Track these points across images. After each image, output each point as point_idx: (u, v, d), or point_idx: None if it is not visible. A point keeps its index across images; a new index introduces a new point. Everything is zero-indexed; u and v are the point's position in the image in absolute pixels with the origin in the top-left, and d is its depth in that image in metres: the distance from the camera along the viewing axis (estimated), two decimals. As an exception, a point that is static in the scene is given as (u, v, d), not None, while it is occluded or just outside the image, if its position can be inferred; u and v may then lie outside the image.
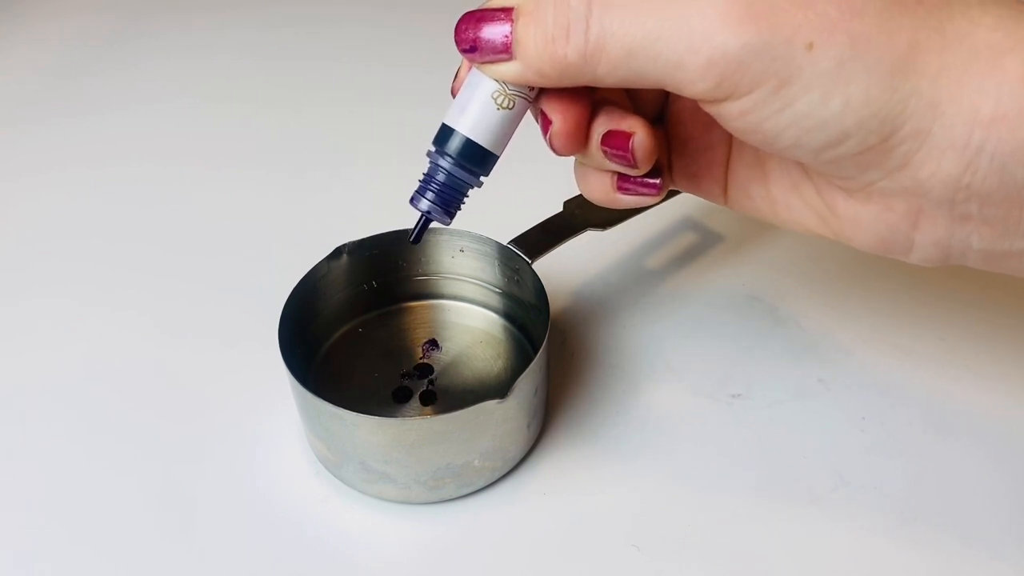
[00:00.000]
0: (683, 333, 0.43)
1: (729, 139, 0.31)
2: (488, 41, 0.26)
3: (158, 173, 0.56)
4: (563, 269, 0.45)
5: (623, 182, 0.30)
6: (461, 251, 0.42)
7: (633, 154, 0.28)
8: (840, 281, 0.46)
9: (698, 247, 0.49)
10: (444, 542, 0.35)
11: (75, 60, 0.69)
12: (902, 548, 0.34)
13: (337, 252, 0.40)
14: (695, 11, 0.23)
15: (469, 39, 0.26)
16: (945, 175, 0.24)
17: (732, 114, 0.25)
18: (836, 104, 0.24)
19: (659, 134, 0.30)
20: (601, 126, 0.28)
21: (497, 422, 0.34)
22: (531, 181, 0.47)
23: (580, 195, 0.43)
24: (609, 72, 0.25)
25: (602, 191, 0.30)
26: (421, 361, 0.41)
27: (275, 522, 0.36)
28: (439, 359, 0.41)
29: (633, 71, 0.25)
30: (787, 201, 0.30)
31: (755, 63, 0.24)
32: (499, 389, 0.36)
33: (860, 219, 0.27)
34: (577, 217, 0.42)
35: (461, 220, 0.41)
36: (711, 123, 0.30)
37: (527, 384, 0.35)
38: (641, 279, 0.47)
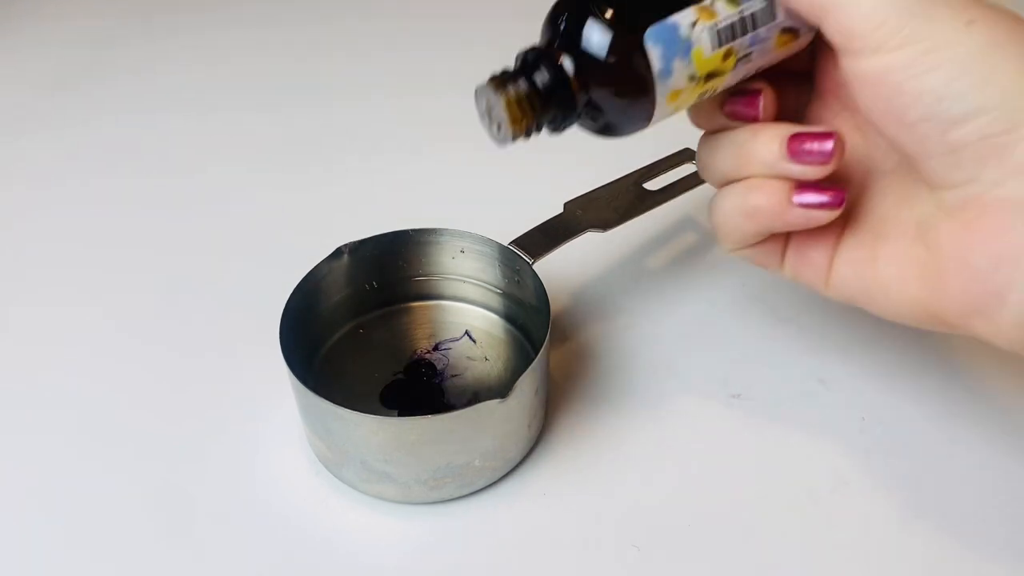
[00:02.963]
0: (683, 333, 0.43)
1: (844, 221, 0.31)
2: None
3: (158, 175, 0.56)
4: (564, 270, 0.45)
5: (804, 187, 0.29)
6: (462, 252, 0.42)
7: (834, 151, 0.28)
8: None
9: (698, 247, 0.49)
10: (444, 542, 0.35)
11: (74, 64, 0.69)
12: (902, 548, 0.34)
13: (338, 252, 0.40)
14: None
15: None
16: None
17: (876, 69, 0.26)
18: (978, 78, 0.25)
19: None
20: (784, 129, 0.29)
21: (498, 422, 0.34)
22: (532, 182, 0.48)
23: (581, 196, 0.43)
24: None
25: (775, 201, 0.30)
26: (422, 358, 0.41)
27: (275, 522, 0.36)
28: (440, 358, 0.41)
29: None
30: (894, 265, 0.30)
31: (917, 21, 0.25)
32: (500, 389, 0.36)
33: (965, 251, 0.27)
34: (577, 218, 0.42)
35: (462, 220, 0.41)
36: None
37: (528, 384, 0.35)
38: (641, 279, 0.47)
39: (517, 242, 0.40)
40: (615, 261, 0.48)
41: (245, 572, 0.34)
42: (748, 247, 0.33)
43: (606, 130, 0.31)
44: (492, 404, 0.34)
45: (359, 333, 0.42)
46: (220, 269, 0.48)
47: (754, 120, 0.31)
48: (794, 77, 0.33)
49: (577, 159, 0.46)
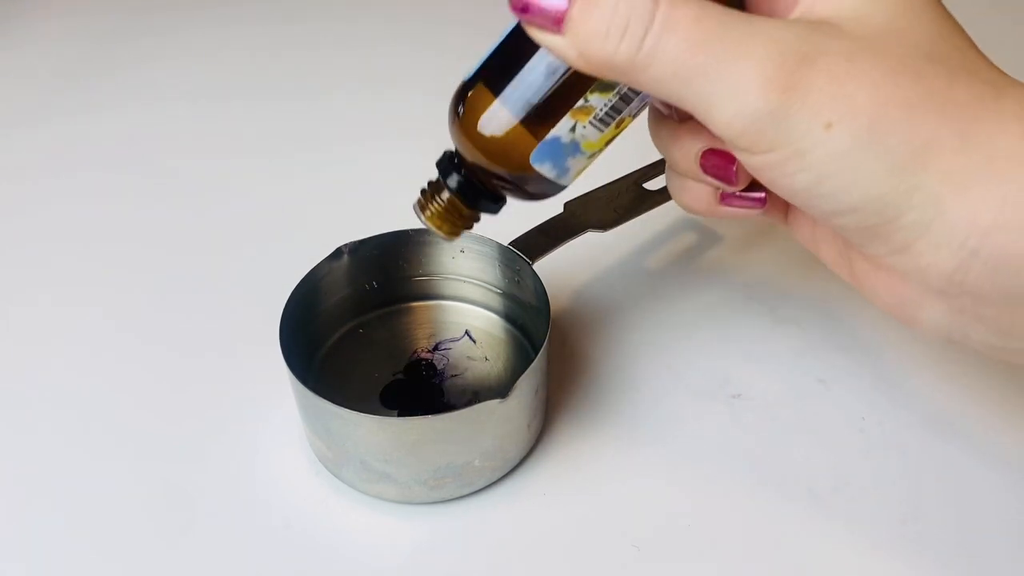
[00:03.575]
0: (683, 333, 0.43)
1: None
2: (542, 8, 0.26)
3: (158, 174, 0.56)
4: (564, 270, 0.45)
5: (727, 196, 0.30)
6: (462, 252, 0.42)
7: (736, 174, 0.29)
8: (840, 281, 0.45)
9: (698, 247, 0.49)
10: (444, 542, 0.35)
11: (76, 59, 0.69)
12: (902, 548, 0.34)
13: (338, 252, 0.40)
14: (743, 65, 0.25)
15: (523, 1, 0.26)
16: (940, 268, 0.25)
17: (751, 164, 0.27)
18: (843, 182, 0.25)
19: None
20: (700, 141, 0.29)
21: (498, 422, 0.34)
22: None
23: (581, 196, 0.43)
24: (648, 85, 0.26)
25: (702, 204, 0.31)
26: (422, 358, 0.41)
27: (275, 522, 0.36)
28: (440, 358, 0.41)
29: (672, 93, 0.26)
30: (827, 243, 0.31)
31: (775, 129, 0.25)
32: (500, 389, 0.36)
33: (873, 283, 0.28)
34: (577, 218, 0.42)
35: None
36: None
37: (528, 384, 0.35)
38: (641, 279, 0.47)
39: (517, 242, 0.40)
40: (615, 261, 0.48)
41: (245, 572, 0.34)
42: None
43: (534, 199, 0.32)
44: (492, 404, 0.34)
45: (359, 333, 0.42)
46: (220, 269, 0.48)
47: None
48: None
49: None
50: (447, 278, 0.43)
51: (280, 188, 0.55)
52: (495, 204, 0.32)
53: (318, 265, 0.39)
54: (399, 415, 0.38)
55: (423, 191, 0.33)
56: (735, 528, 0.35)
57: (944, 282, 0.26)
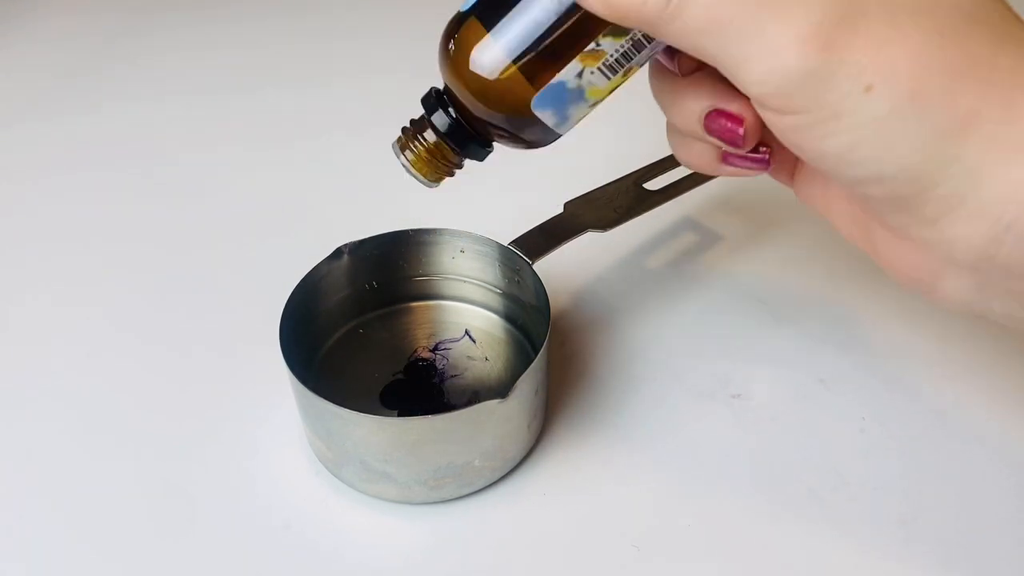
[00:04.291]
0: (683, 333, 0.43)
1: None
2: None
3: (158, 173, 0.56)
4: (564, 270, 0.45)
5: (730, 155, 0.29)
6: (462, 252, 0.42)
7: (744, 136, 0.28)
8: (840, 281, 0.46)
9: (698, 247, 0.49)
10: (444, 542, 0.35)
11: (75, 58, 0.69)
12: (902, 548, 0.34)
13: (338, 252, 0.40)
14: (779, 19, 0.23)
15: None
16: (971, 241, 0.25)
17: (778, 125, 0.25)
18: (878, 149, 0.24)
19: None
20: (704, 100, 0.28)
21: (498, 422, 0.34)
22: (532, 182, 0.48)
23: (581, 196, 0.43)
24: (676, 37, 0.25)
25: (703, 161, 0.30)
26: (422, 358, 0.41)
27: (275, 522, 0.36)
28: (440, 358, 0.41)
29: (699, 47, 0.25)
30: (840, 208, 0.30)
31: (812, 89, 0.24)
32: (500, 389, 0.36)
33: (891, 251, 0.28)
34: (577, 218, 0.42)
35: (462, 220, 0.41)
36: None
37: (528, 384, 0.35)
38: (641, 279, 0.47)
39: (517, 242, 0.40)
40: (615, 261, 0.48)
41: (245, 572, 0.34)
42: None
43: (527, 147, 0.30)
44: (492, 404, 0.34)
45: (359, 333, 0.42)
46: (220, 269, 0.48)
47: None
48: None
49: (577, 159, 0.46)
50: (447, 278, 0.43)
51: (280, 188, 0.55)
52: (484, 149, 0.30)
53: (318, 265, 0.39)
54: (399, 415, 0.38)
55: (404, 129, 0.30)
56: (735, 528, 0.35)
57: (975, 256, 0.25)
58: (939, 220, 0.25)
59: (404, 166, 0.30)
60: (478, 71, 0.27)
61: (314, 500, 0.36)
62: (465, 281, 0.43)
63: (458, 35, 0.27)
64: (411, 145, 0.30)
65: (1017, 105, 0.23)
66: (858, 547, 0.34)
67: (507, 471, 0.37)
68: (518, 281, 0.41)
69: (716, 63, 0.25)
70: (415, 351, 0.41)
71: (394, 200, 0.47)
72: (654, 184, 0.44)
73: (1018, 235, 0.24)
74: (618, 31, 0.26)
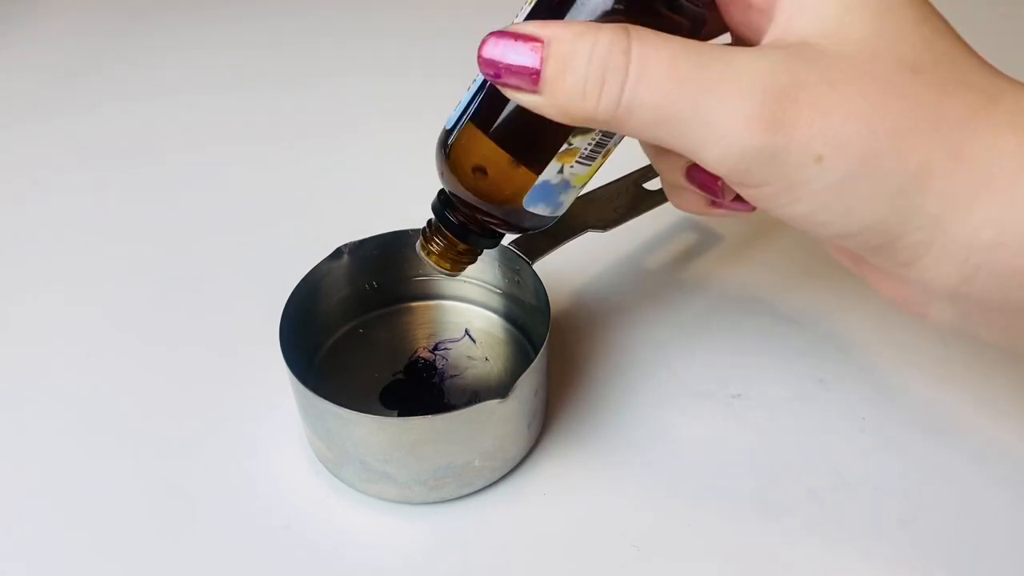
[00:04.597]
0: (683, 333, 0.43)
1: None
2: (515, 70, 0.26)
3: (158, 173, 0.57)
4: (564, 270, 0.45)
5: (715, 202, 0.30)
6: (461, 251, 0.42)
7: (723, 188, 0.29)
8: (840, 281, 0.46)
9: (698, 247, 0.49)
10: (444, 542, 0.35)
11: (75, 57, 0.69)
12: (902, 548, 0.34)
13: (338, 252, 0.40)
14: (726, 104, 0.24)
15: (493, 64, 0.26)
16: (946, 281, 0.25)
17: (746, 194, 0.27)
18: (838, 212, 0.25)
19: None
20: (684, 158, 0.28)
21: (498, 422, 0.34)
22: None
23: (581, 196, 0.43)
24: (634, 132, 0.26)
25: (695, 206, 0.31)
26: (422, 358, 0.41)
27: (275, 522, 0.36)
28: (440, 358, 0.41)
29: (656, 138, 0.26)
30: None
31: (766, 165, 0.25)
32: (500, 389, 0.36)
33: (880, 282, 0.28)
34: (577, 218, 0.42)
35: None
36: None
37: (528, 384, 0.35)
38: (641, 279, 0.47)
39: (517, 242, 0.40)
40: (615, 261, 0.48)
41: (245, 572, 0.34)
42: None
43: (529, 231, 0.32)
44: (492, 404, 0.34)
45: (359, 333, 0.42)
46: (220, 269, 0.48)
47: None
48: None
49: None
50: (447, 278, 0.43)
51: (280, 188, 0.55)
52: (492, 240, 0.32)
53: (318, 265, 0.39)
54: (399, 415, 0.38)
55: (423, 232, 0.33)
56: (735, 528, 0.35)
57: (950, 293, 0.26)
58: (913, 263, 0.25)
59: (428, 264, 0.33)
60: (474, 173, 0.29)
61: (314, 500, 0.36)
62: (465, 281, 0.43)
63: (454, 142, 0.29)
64: (430, 246, 0.33)
65: (967, 153, 0.24)
66: (858, 547, 0.34)
67: (507, 471, 0.37)
68: (518, 281, 0.41)
69: (677, 149, 0.26)
70: (415, 351, 0.41)
71: (394, 200, 0.47)
72: (654, 184, 0.44)
73: (988, 275, 0.24)
74: (585, 129, 0.28)
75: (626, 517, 0.35)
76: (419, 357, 0.41)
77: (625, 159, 0.45)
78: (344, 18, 0.74)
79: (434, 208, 0.32)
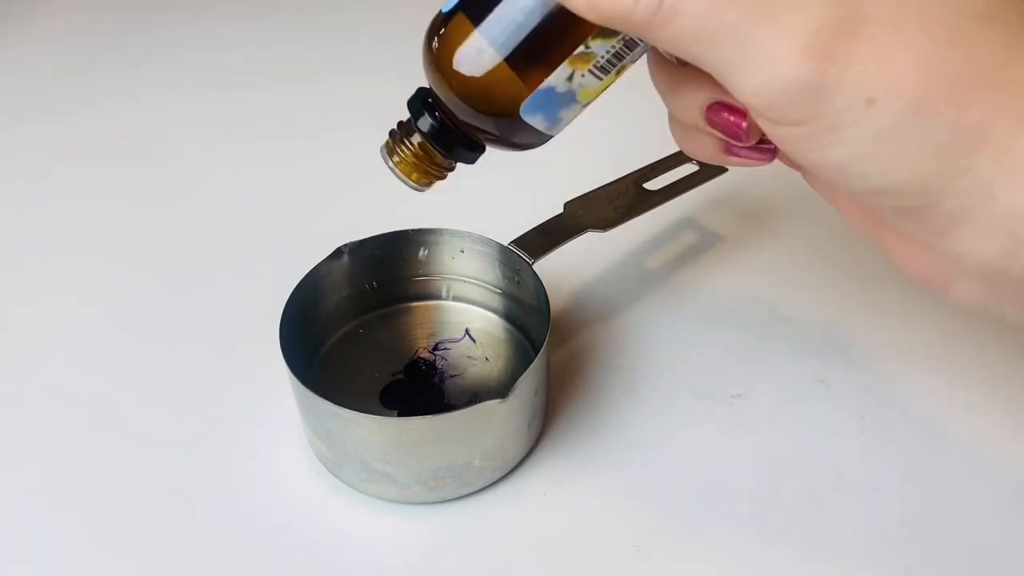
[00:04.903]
0: (683, 333, 0.43)
1: None
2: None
3: (158, 173, 0.56)
4: (564, 270, 0.45)
5: (734, 147, 0.28)
6: (462, 252, 0.42)
7: (748, 130, 0.27)
8: (840, 281, 0.46)
9: (698, 247, 0.49)
10: (444, 542, 0.35)
11: (75, 56, 0.69)
12: (902, 548, 0.34)
13: (338, 252, 0.40)
14: (775, 27, 0.22)
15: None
16: (983, 255, 0.24)
17: (775, 135, 0.24)
18: (880, 162, 0.23)
19: None
20: (706, 91, 0.27)
21: (498, 422, 0.34)
22: (532, 182, 0.48)
23: (581, 196, 0.43)
24: (668, 44, 0.24)
25: (706, 152, 0.29)
26: (422, 358, 0.41)
27: (275, 522, 0.36)
28: (440, 358, 0.41)
29: (692, 54, 0.24)
30: (849, 204, 0.28)
31: (811, 101, 0.23)
32: (500, 389, 0.36)
33: (902, 252, 0.27)
34: (577, 218, 0.42)
35: (462, 221, 0.41)
36: None
37: (528, 384, 0.35)
38: (641, 279, 0.47)
39: (517, 242, 0.40)
40: (615, 261, 0.48)
41: (245, 572, 0.34)
42: None
43: (517, 149, 0.29)
44: (492, 404, 0.34)
45: (359, 333, 0.42)
46: (220, 268, 0.48)
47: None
48: None
49: (577, 159, 0.46)
50: (447, 278, 0.43)
51: (280, 188, 0.55)
52: (472, 152, 0.29)
53: (318, 265, 0.39)
54: (399, 415, 0.38)
55: (392, 132, 0.29)
56: (735, 528, 0.35)
57: (985, 268, 0.24)
58: (948, 231, 0.24)
59: (392, 170, 0.30)
60: (463, 70, 0.26)
61: (314, 500, 0.36)
62: (465, 281, 0.43)
63: (443, 32, 0.26)
64: (398, 149, 0.29)
65: None
66: (858, 547, 0.34)
67: (507, 471, 0.37)
68: (518, 281, 0.41)
69: (710, 70, 0.24)
70: (415, 351, 0.41)
71: (394, 200, 0.47)
72: (654, 184, 0.44)
73: None
74: (608, 32, 0.25)
75: (626, 517, 0.35)
76: (419, 357, 0.41)
77: (625, 159, 0.45)
78: (345, 17, 0.74)
79: (410, 106, 0.28)
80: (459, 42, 0.25)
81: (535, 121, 0.27)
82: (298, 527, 0.35)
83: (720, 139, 0.28)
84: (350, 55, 0.69)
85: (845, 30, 0.22)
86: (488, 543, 0.35)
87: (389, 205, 0.50)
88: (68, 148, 0.59)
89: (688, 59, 0.24)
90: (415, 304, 0.43)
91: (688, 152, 0.30)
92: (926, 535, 0.34)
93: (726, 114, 0.27)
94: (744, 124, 0.26)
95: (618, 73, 0.26)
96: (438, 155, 0.29)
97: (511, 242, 0.40)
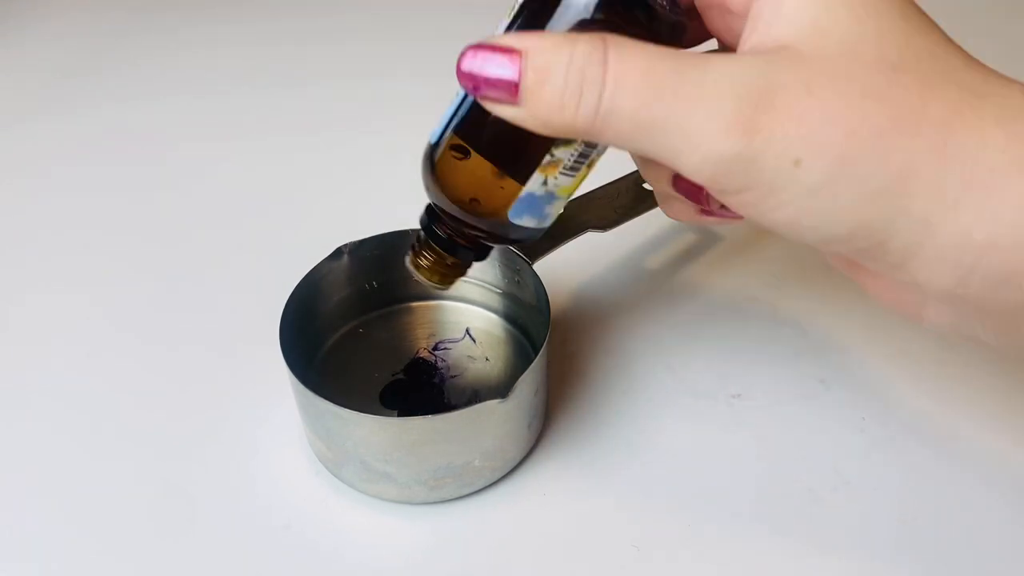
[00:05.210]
0: (683, 333, 0.43)
1: None
2: (493, 82, 0.25)
3: (158, 173, 0.57)
4: (563, 270, 0.45)
5: (704, 210, 0.30)
6: (461, 251, 0.42)
7: (708, 198, 0.29)
8: (840, 281, 0.45)
9: (698, 247, 0.49)
10: (444, 542, 0.35)
11: (75, 56, 0.69)
12: (901, 548, 0.34)
13: (338, 252, 0.40)
14: (701, 111, 0.24)
15: (472, 77, 0.26)
16: (940, 284, 0.25)
17: (728, 201, 0.26)
18: (823, 214, 0.24)
19: None
20: (666, 168, 0.28)
21: (498, 422, 0.34)
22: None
23: (581, 196, 0.43)
24: (614, 141, 0.26)
25: (685, 215, 0.31)
26: (422, 358, 0.41)
27: (275, 522, 0.36)
28: (440, 358, 0.41)
29: (635, 148, 0.25)
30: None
31: (745, 171, 0.24)
32: (500, 389, 0.36)
33: (874, 285, 0.28)
34: (577, 218, 0.42)
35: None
36: None
37: (528, 384, 0.35)
38: (641, 279, 0.47)
39: (517, 242, 0.40)
40: (615, 261, 0.48)
41: (245, 572, 0.34)
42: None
43: (520, 244, 0.33)
44: (492, 404, 0.34)
45: (359, 333, 0.42)
46: (221, 269, 0.48)
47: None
48: None
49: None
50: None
51: (281, 188, 0.55)
52: (479, 253, 0.32)
53: (318, 265, 0.39)
54: (399, 415, 0.38)
55: (412, 246, 0.33)
56: (735, 528, 0.35)
57: (945, 294, 0.25)
58: (904, 265, 0.25)
59: (418, 279, 0.33)
60: (458, 186, 0.29)
61: (314, 500, 0.36)
62: (465, 281, 0.43)
63: (439, 157, 0.29)
64: (418, 261, 0.33)
65: (953, 152, 0.23)
66: (858, 547, 0.34)
67: (507, 471, 0.37)
68: (518, 281, 0.41)
69: (655, 157, 0.25)
70: (415, 351, 0.41)
71: (394, 200, 0.47)
72: (654, 184, 0.44)
73: (983, 277, 0.24)
74: (567, 140, 0.28)
75: (626, 517, 0.35)
76: (419, 357, 0.41)
77: (625, 159, 0.45)
78: (346, 18, 0.74)
79: (422, 222, 0.32)
80: (453, 165, 0.29)
81: (524, 222, 0.30)
82: (298, 527, 0.35)
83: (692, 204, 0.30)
84: (352, 55, 0.69)
85: (763, 102, 0.23)
86: (488, 543, 0.35)
87: (389, 205, 0.50)
88: (68, 148, 0.59)
89: (636, 151, 0.26)
90: (415, 304, 0.43)
91: (672, 216, 0.32)
92: (926, 535, 0.34)
93: (687, 185, 0.29)
94: (703, 192, 0.29)
95: (589, 167, 0.29)
96: (451, 260, 0.32)
97: (511, 242, 0.40)
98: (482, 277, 0.42)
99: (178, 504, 0.36)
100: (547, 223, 0.31)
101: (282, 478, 0.37)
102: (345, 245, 0.40)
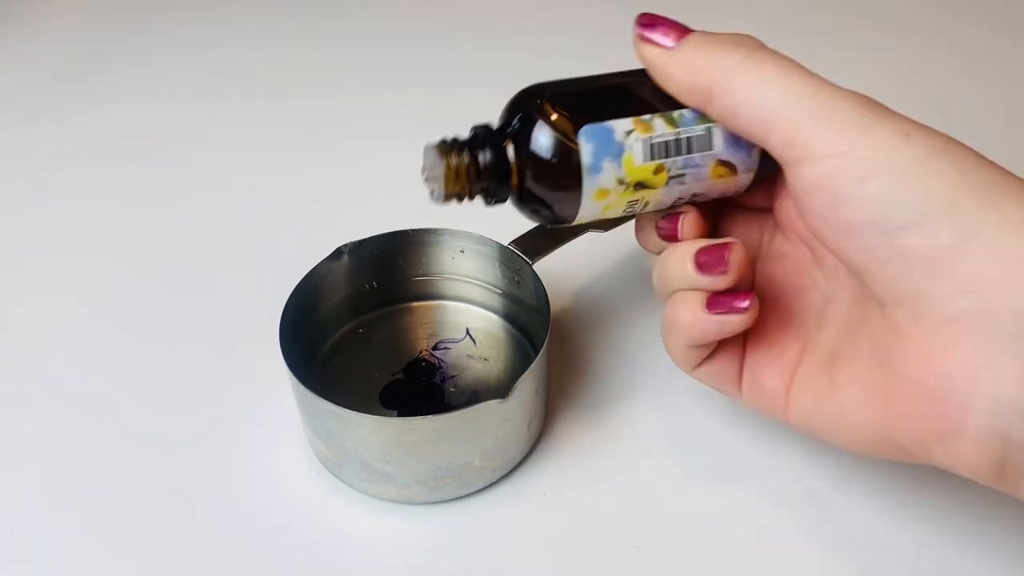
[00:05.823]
0: (683, 333, 0.43)
1: (801, 348, 0.32)
2: (667, 24, 0.29)
3: (158, 174, 0.57)
4: (564, 270, 0.45)
5: (713, 302, 0.30)
6: (462, 252, 0.42)
7: (728, 261, 0.30)
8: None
9: (698, 247, 0.49)
10: (444, 542, 0.35)
11: (75, 57, 0.69)
12: (901, 548, 0.34)
13: (338, 252, 0.40)
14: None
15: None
16: (1018, 302, 0.24)
17: (819, 175, 0.27)
18: (919, 187, 0.25)
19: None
20: (693, 244, 0.31)
21: (498, 422, 0.34)
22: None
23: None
24: (735, 106, 0.28)
25: (691, 311, 0.31)
26: (422, 358, 0.41)
27: (275, 522, 0.36)
28: (440, 359, 0.41)
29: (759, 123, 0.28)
30: (851, 391, 0.30)
31: (856, 131, 0.26)
32: (500, 389, 0.36)
33: (918, 370, 0.27)
34: (577, 217, 0.42)
35: (461, 221, 0.41)
36: (789, 321, 0.33)
37: (528, 384, 0.35)
38: (641, 279, 0.47)
39: (517, 242, 0.40)
40: (615, 261, 0.48)
41: (245, 572, 0.34)
42: (699, 368, 0.33)
43: (535, 215, 0.32)
44: (492, 404, 0.34)
45: (359, 333, 0.42)
46: (220, 269, 0.48)
47: (674, 239, 0.32)
48: (757, 214, 0.34)
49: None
50: (447, 278, 0.43)
51: (280, 188, 0.55)
52: (501, 193, 0.31)
53: (318, 265, 0.39)
54: (399, 415, 0.38)
55: (446, 141, 0.31)
56: (735, 528, 0.35)
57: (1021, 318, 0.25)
58: (955, 298, 0.25)
59: (428, 169, 0.31)
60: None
61: (314, 500, 0.36)
62: (465, 281, 0.43)
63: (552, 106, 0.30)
64: (447, 158, 0.31)
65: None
66: (858, 547, 0.34)
67: (507, 471, 0.37)
68: (518, 281, 0.41)
69: (768, 126, 0.27)
70: (415, 351, 0.41)
71: (394, 200, 0.47)
72: (654, 184, 0.44)
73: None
74: (671, 120, 0.30)
75: (626, 517, 0.35)
76: (419, 357, 0.41)
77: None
78: (346, 20, 0.74)
79: (479, 133, 0.31)
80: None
81: (584, 149, 0.29)
82: (298, 527, 0.35)
83: (702, 294, 0.31)
84: (352, 56, 0.69)
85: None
86: (488, 543, 0.35)
87: (389, 205, 0.50)
88: (68, 148, 0.59)
89: (745, 123, 0.28)
90: (415, 304, 0.43)
91: (674, 315, 0.32)
92: (926, 535, 0.34)
93: (711, 251, 0.30)
94: (726, 255, 0.30)
95: (642, 199, 0.31)
96: (481, 177, 0.31)
97: (511, 242, 0.40)
98: (482, 277, 0.42)
99: (178, 504, 0.36)
100: (595, 178, 0.30)
101: (282, 478, 0.37)
102: (345, 245, 0.40)
